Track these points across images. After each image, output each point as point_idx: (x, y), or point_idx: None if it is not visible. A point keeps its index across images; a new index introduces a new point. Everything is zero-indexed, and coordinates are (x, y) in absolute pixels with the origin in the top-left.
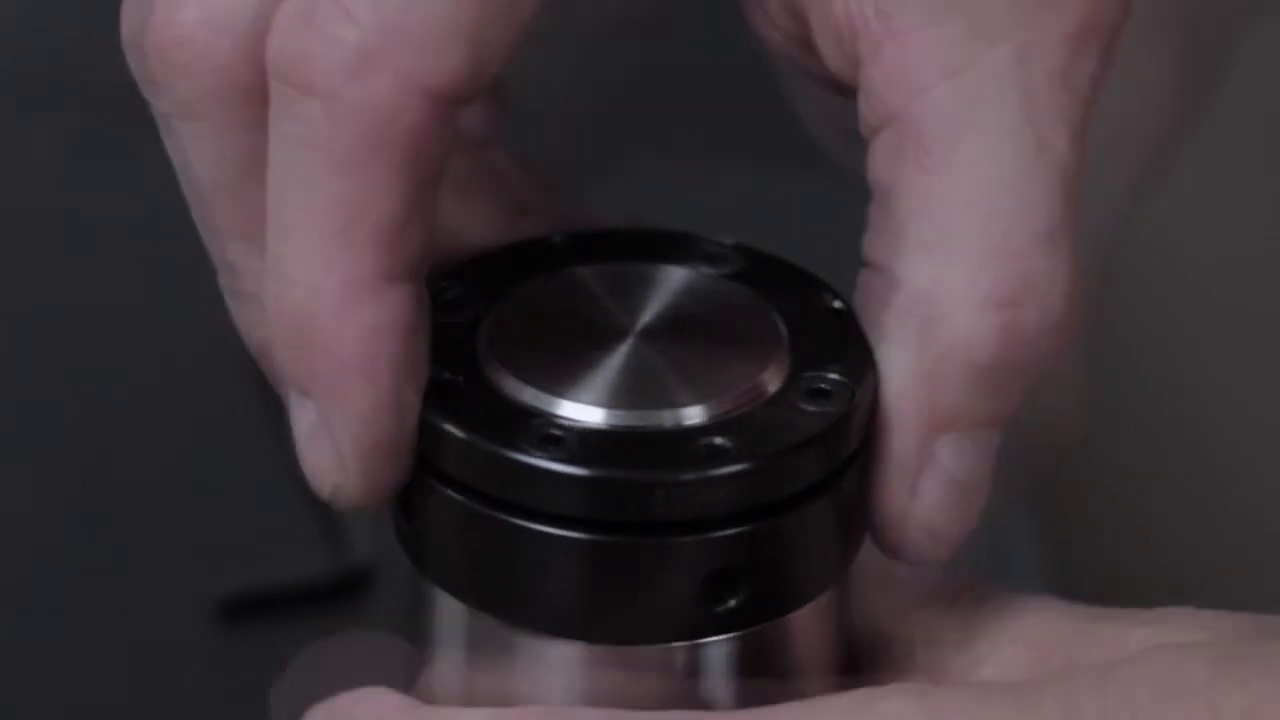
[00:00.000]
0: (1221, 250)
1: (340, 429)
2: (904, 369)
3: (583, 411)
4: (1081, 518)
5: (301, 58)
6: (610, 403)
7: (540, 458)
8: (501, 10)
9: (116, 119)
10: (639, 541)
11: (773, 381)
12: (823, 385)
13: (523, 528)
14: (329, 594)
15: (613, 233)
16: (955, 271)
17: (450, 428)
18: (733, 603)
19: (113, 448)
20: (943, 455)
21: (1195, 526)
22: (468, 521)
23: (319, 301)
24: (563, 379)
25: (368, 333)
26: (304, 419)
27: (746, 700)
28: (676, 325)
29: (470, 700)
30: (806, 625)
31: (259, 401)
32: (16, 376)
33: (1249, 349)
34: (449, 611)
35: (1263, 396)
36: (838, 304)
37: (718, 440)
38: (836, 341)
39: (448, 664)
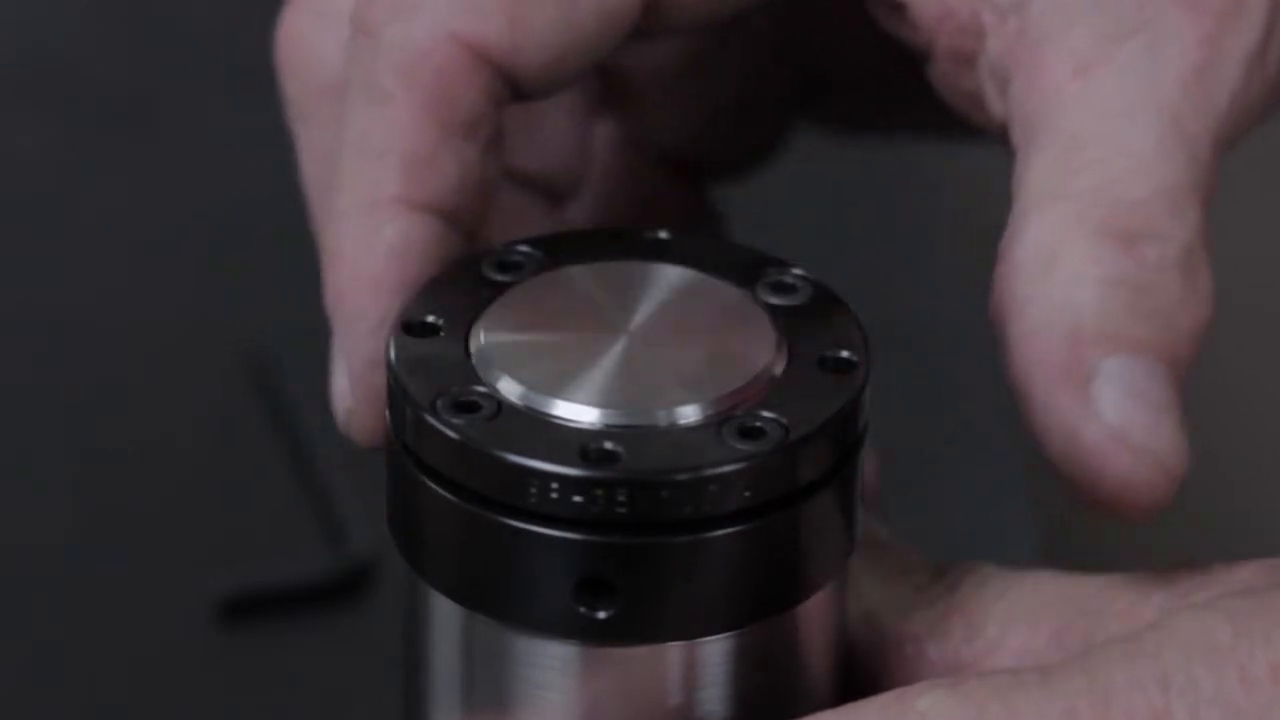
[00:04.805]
0: (1225, 247)
1: (349, 345)
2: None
3: (509, 386)
4: (1080, 516)
5: (366, 4)
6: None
7: (453, 427)
8: (557, 6)
9: (116, 119)
10: (517, 527)
11: (718, 405)
12: (760, 425)
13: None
14: (329, 594)
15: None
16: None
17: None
18: (601, 614)
19: (113, 448)
20: (1110, 368)
21: (1197, 524)
22: (441, 512)
23: (346, 220)
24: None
25: (381, 250)
26: (333, 348)
27: (748, 698)
28: (671, 328)
29: (466, 699)
30: (803, 627)
31: (259, 401)
32: (16, 376)
33: (1251, 345)
34: (433, 601)
35: (1264, 393)
36: (848, 354)
37: (609, 445)
38: (817, 392)
39: (442, 661)
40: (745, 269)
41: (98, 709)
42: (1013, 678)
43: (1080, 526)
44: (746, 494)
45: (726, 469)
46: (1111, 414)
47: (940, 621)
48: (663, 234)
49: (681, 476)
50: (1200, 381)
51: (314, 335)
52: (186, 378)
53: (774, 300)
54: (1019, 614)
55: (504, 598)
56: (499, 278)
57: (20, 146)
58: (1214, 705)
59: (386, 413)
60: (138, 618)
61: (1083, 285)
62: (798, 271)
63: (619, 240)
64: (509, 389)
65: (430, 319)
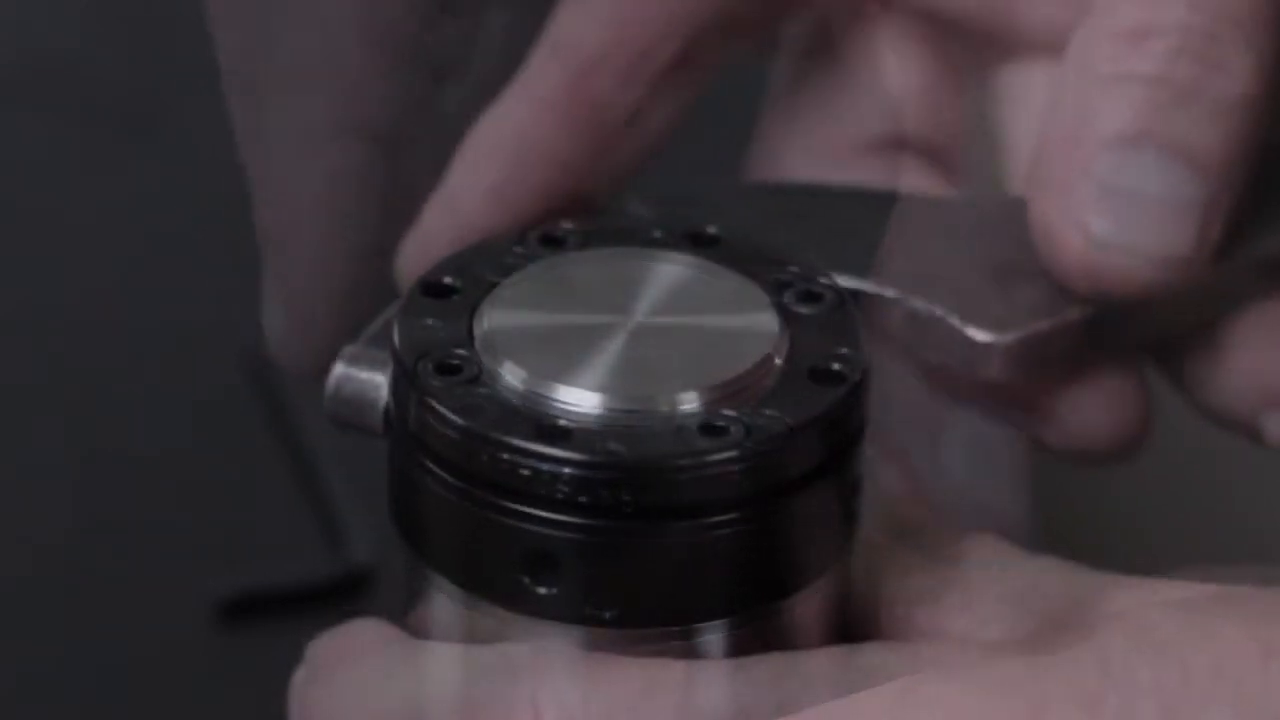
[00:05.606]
0: None
1: (290, 268)
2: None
3: (513, 373)
4: (1081, 512)
5: None
6: (582, 382)
7: (442, 409)
8: None
9: (116, 119)
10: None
11: (719, 396)
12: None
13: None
14: (329, 594)
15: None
16: None
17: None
18: (542, 590)
19: (113, 447)
20: (1104, 162)
21: (1198, 520)
22: (439, 495)
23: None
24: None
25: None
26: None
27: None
28: (674, 319)
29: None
30: (804, 621)
31: (259, 400)
32: (16, 376)
33: None
34: (436, 589)
35: None
36: (847, 350)
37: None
38: (818, 386)
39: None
40: (748, 262)
41: (98, 709)
42: (961, 652)
43: (1081, 526)
44: (748, 484)
45: (729, 459)
46: (1094, 217)
47: (937, 588)
48: (661, 231)
49: (684, 466)
50: None
51: None
52: (186, 378)
53: (776, 294)
54: (1014, 596)
55: (506, 586)
56: (503, 268)
57: (20, 146)
58: (1149, 697)
59: (390, 400)
60: (138, 618)
61: (1091, 85)
62: (798, 268)
63: (624, 232)
64: (513, 377)
65: (434, 308)
